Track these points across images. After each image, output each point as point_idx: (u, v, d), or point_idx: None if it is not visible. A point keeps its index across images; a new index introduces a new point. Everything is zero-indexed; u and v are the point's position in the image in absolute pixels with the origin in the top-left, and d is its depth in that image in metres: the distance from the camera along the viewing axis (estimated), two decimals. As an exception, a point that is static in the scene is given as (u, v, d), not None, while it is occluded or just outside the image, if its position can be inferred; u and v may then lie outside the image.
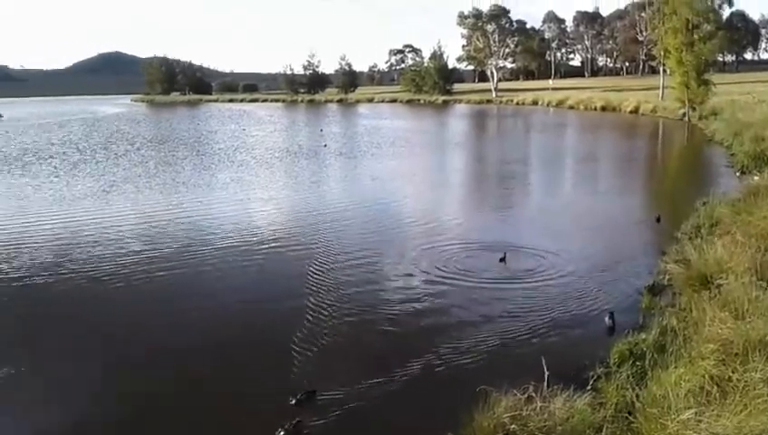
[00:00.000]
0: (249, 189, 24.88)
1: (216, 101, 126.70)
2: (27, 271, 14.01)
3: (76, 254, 15.35)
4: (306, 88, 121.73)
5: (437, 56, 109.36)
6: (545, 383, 7.89)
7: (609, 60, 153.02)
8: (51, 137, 51.03)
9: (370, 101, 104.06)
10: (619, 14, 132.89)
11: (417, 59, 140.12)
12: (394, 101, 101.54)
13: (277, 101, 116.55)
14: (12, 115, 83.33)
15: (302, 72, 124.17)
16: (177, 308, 11.87)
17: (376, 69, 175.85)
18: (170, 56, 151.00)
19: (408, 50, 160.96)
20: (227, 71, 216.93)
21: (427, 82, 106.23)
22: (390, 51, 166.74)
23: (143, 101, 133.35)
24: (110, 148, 41.26)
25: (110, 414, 8.34)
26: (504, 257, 14.01)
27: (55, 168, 31.72)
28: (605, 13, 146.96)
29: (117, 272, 13.91)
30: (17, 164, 33.47)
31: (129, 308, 11.97)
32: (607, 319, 10.54)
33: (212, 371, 9.33)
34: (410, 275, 13.36)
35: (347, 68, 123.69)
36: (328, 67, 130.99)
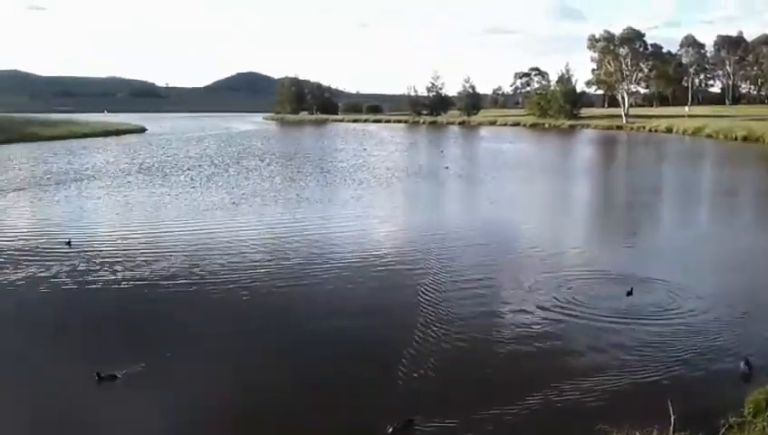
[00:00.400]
0: (368, 207, 25.28)
1: (341, 120, 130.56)
2: (163, 276, 14.91)
3: (206, 261, 16.19)
4: (429, 109, 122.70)
5: (565, 80, 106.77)
6: (671, 428, 7.35)
7: (752, 87, 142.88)
8: (189, 150, 54.52)
9: (493, 124, 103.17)
10: (765, 40, 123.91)
11: (544, 82, 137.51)
12: (517, 124, 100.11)
13: (400, 121, 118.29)
14: (155, 129, 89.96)
15: (425, 93, 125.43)
16: (292, 319, 12.19)
17: (500, 92, 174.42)
18: (301, 77, 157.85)
19: (534, 73, 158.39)
20: (353, 91, 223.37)
21: (552, 106, 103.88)
22: (516, 74, 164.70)
23: (273, 120, 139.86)
24: (241, 162, 43.44)
25: (226, 407, 8.69)
26: (632, 291, 13.26)
27: (192, 179, 33.78)
28: (749, 38, 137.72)
29: (242, 280, 14.53)
30: (158, 174, 35.99)
31: (249, 314, 12.42)
32: (742, 365, 9.70)
33: (312, 385, 9.48)
34: (528, 303, 12.95)
35: (470, 90, 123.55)
36: (451, 89, 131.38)
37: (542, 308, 12.58)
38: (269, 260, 16.40)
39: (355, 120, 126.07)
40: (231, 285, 14.19)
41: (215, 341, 11.17)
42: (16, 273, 14.93)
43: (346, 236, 19.61)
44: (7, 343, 11.13)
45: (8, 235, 19.71)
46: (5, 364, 10.24)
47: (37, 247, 17.61)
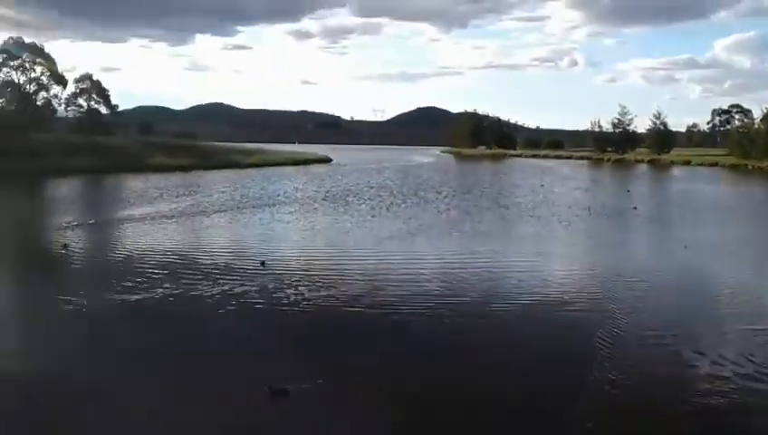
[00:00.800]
0: (546, 245, 24.41)
1: (519, 155, 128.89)
2: (343, 300, 15.34)
3: (383, 288, 16.48)
4: (614, 146, 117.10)
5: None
6: None
7: None
8: (370, 180, 56.66)
9: (687, 163, 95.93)
10: None
11: (746, 120, 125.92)
12: (715, 164, 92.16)
13: (582, 158, 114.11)
14: (339, 160, 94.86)
15: (610, 129, 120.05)
16: (465, 353, 11.89)
17: (695, 129, 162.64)
18: (480, 111, 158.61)
19: (735, 110, 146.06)
20: (533, 126, 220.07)
21: (756, 146, 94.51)
22: (714, 111, 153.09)
23: (450, 153, 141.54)
24: (418, 194, 44.24)
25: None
26: None
27: (372, 208, 34.93)
28: None
29: (416, 309, 14.57)
30: (341, 202, 37.70)
31: (421, 342, 12.32)
32: None
33: (483, 421, 9.13)
34: (724, 361, 11.49)
35: (661, 127, 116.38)
36: (640, 125, 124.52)
37: (737, 365, 11.13)
38: (443, 292, 16.32)
39: (534, 156, 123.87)
40: (406, 314, 14.27)
41: (388, 365, 11.19)
42: (213, 288, 16.15)
43: (522, 272, 19.00)
44: (193, 350, 11.96)
45: (208, 252, 21.52)
46: (187, 370, 10.98)
47: (232, 265, 19.00)
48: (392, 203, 37.86)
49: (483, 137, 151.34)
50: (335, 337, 12.73)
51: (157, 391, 10.04)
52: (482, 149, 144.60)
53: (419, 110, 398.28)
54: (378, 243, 23.92)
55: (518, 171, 77.68)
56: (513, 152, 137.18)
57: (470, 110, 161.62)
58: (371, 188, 48.98)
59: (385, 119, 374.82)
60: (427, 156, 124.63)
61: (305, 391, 9.96)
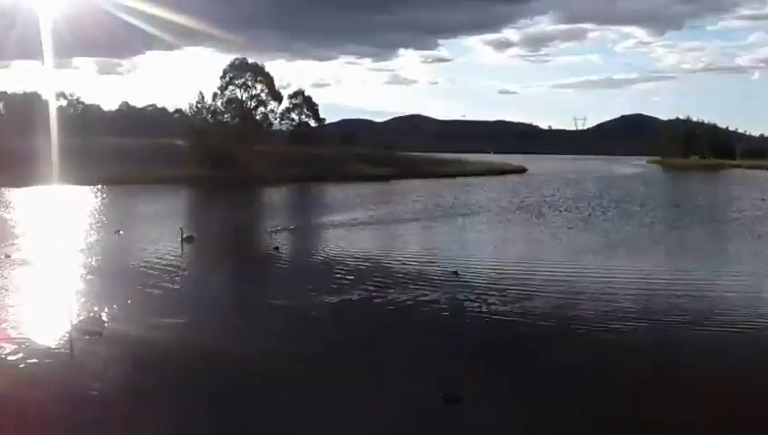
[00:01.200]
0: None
1: (738, 166, 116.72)
2: (531, 314, 14.83)
3: (574, 304, 15.68)
4: None
5: None
6: None
7: None
8: (567, 191, 54.68)
9: None
10: None
11: None
12: None
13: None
14: (534, 170, 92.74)
15: None
16: (669, 388, 10.85)
17: None
18: (693, 118, 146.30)
19: None
20: (756, 135, 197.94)
21: None
22: None
23: (658, 163, 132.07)
24: (620, 206, 41.79)
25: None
26: None
27: (567, 220, 33.61)
28: None
29: (609, 328, 13.63)
30: (535, 213, 36.77)
31: (613, 373, 11.49)
32: None
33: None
34: None
35: None
36: None
37: None
38: (643, 312, 15.08)
39: (756, 167, 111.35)
40: (599, 333, 13.40)
41: (574, 391, 10.56)
42: (402, 295, 16.48)
43: (735, 295, 16.99)
44: (378, 350, 12.27)
45: (400, 259, 22.06)
46: (375, 368, 11.27)
47: (424, 273, 19.28)
48: (590, 215, 36.15)
49: (696, 146, 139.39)
50: (519, 352, 12.34)
51: (344, 386, 10.44)
52: (695, 159, 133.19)
53: (624, 117, 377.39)
54: (573, 256, 22.91)
55: (736, 184, 70.40)
56: (731, 163, 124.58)
57: (682, 117, 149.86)
58: (568, 199, 47.21)
59: (586, 127, 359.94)
60: (631, 166, 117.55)
61: (479, 401, 9.81)
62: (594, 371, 11.41)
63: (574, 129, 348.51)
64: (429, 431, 9.20)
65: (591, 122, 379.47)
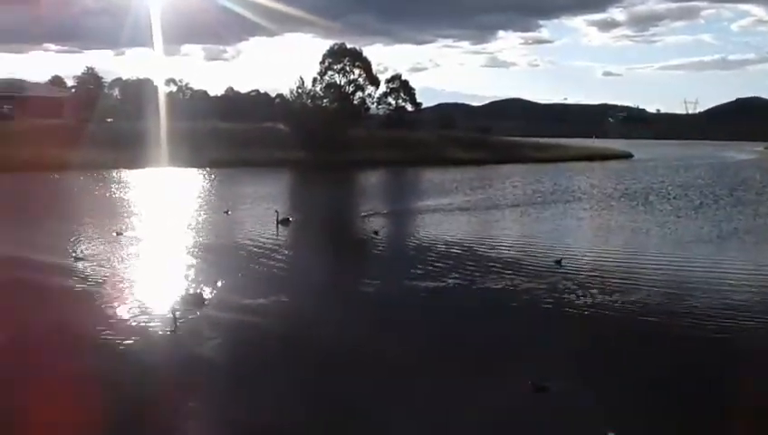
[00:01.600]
0: None
1: None
2: (634, 308, 14.25)
3: (682, 299, 14.95)
4: None
5: None
6: None
7: None
8: (676, 178, 51.99)
9: None
10: None
11: None
12: None
13: None
14: (641, 156, 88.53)
15: None
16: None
17: None
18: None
19: None
20: None
21: None
22: None
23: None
24: (734, 194, 39.34)
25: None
26: None
27: (676, 208, 31.99)
28: None
29: (717, 329, 12.86)
30: (641, 200, 35.21)
31: (719, 373, 10.86)
32: None
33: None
34: None
35: None
36: None
37: None
38: (756, 310, 14.13)
39: None
40: (707, 330, 12.71)
41: (673, 389, 10.11)
42: (497, 283, 16.25)
43: None
44: (468, 337, 12.18)
45: (496, 246, 21.73)
46: (455, 354, 11.24)
47: (522, 262, 18.90)
48: (701, 203, 34.22)
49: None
50: (616, 347, 11.90)
51: (429, 368, 10.45)
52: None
53: (739, 100, 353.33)
54: (681, 247, 21.82)
55: None
56: None
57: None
58: (677, 186, 44.87)
59: (697, 111, 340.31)
60: (747, 152, 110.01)
61: (567, 392, 9.62)
62: (697, 375, 10.81)
63: (684, 112, 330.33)
64: (515, 415, 9.15)
65: (703, 106, 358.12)
